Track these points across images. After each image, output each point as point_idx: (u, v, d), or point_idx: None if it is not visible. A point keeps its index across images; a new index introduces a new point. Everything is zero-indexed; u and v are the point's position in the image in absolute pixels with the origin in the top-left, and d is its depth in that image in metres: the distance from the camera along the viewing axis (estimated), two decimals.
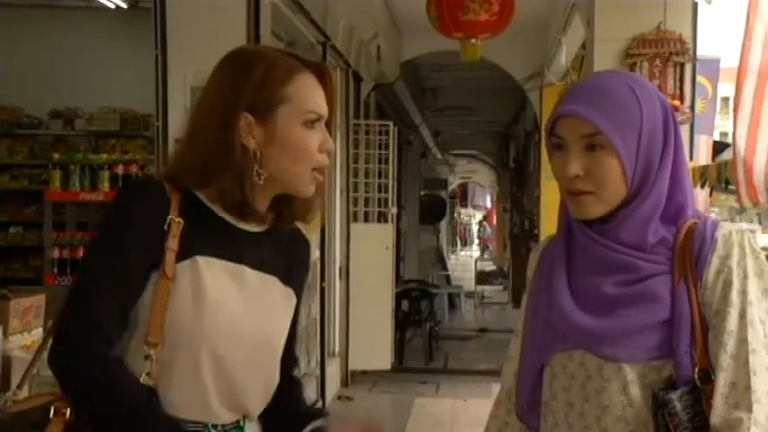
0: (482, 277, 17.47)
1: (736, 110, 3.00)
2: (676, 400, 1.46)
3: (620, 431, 1.52)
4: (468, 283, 17.31)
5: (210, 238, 1.56)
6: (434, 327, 10.40)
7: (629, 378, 1.51)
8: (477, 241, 34.46)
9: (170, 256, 1.50)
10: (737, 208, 18.24)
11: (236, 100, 1.55)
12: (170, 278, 1.50)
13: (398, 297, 9.43)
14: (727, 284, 1.49)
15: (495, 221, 28.22)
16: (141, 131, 6.71)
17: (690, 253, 1.51)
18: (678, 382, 1.48)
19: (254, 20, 4.48)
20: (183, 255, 1.52)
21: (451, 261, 22.88)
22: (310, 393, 4.67)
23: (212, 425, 1.57)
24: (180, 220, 1.53)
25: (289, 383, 1.74)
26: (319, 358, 6.97)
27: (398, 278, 10.25)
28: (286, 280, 1.68)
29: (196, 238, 1.54)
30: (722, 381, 1.45)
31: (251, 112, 1.55)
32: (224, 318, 1.54)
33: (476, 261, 19.35)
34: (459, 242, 33.57)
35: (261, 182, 1.56)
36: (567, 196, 1.57)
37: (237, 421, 1.62)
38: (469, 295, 15.83)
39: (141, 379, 1.49)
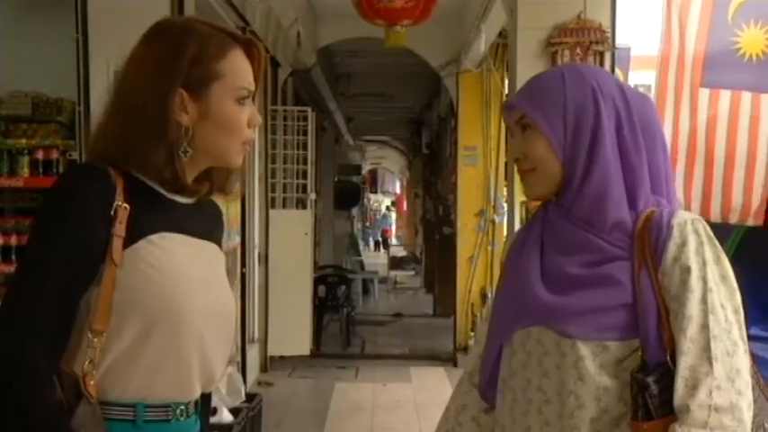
0: (395, 263, 17.60)
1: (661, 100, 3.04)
2: (653, 382, 1.52)
3: (572, 404, 1.58)
4: (380, 268, 17.41)
5: (159, 216, 1.56)
6: (351, 312, 10.45)
7: (581, 353, 1.57)
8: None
9: (117, 243, 1.48)
10: None
11: (170, 76, 1.54)
12: (117, 265, 1.48)
13: (315, 283, 9.45)
14: (685, 271, 1.54)
15: (404, 207, 28.29)
16: (54, 116, 6.49)
17: (648, 241, 1.58)
18: (650, 365, 1.54)
19: (177, 3, 4.41)
20: (134, 238, 1.50)
21: (361, 246, 22.90)
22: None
23: (180, 409, 1.57)
24: (126, 205, 1.51)
25: None
26: (239, 344, 6.95)
27: (315, 264, 10.26)
28: (218, 245, 1.73)
29: (146, 219, 1.53)
30: (683, 364, 1.51)
31: (184, 88, 1.55)
32: (196, 289, 1.55)
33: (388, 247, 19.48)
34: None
35: (186, 158, 1.57)
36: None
37: (196, 402, 1.63)
38: (382, 281, 15.94)
39: (84, 366, 1.46)
